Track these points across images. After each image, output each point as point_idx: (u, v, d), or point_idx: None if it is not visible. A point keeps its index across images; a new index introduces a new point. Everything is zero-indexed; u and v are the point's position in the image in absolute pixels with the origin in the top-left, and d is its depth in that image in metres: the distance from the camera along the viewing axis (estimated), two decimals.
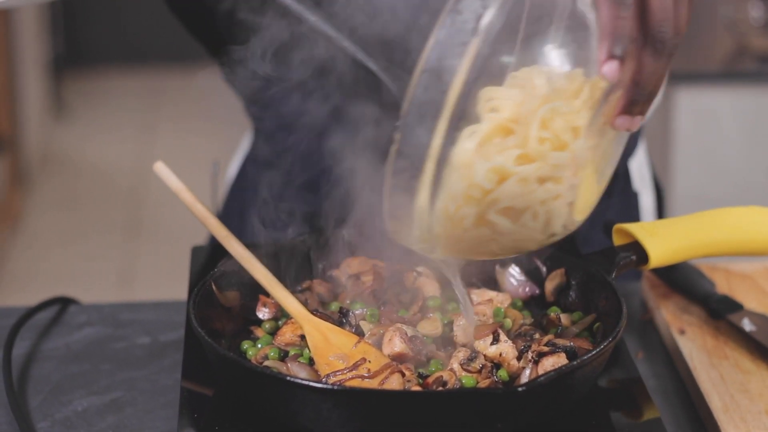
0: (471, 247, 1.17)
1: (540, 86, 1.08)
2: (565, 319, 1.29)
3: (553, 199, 1.12)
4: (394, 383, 1.18)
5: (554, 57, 1.09)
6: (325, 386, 1.13)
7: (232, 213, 1.32)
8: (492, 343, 1.20)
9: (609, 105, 1.09)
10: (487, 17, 1.04)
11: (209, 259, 1.42)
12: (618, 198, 1.75)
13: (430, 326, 1.27)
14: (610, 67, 1.05)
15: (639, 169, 1.80)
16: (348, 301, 1.32)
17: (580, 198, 1.14)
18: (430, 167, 1.09)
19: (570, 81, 1.09)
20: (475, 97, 1.08)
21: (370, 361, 1.20)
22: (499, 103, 1.09)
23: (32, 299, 1.51)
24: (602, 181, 1.17)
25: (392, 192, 1.12)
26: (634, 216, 1.78)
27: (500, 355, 1.20)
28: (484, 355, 1.20)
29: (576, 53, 1.09)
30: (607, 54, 1.05)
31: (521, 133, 1.09)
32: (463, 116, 1.08)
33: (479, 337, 1.22)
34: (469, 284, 1.35)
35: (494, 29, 1.05)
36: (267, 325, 1.31)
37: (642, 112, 1.09)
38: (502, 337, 1.21)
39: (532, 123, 1.08)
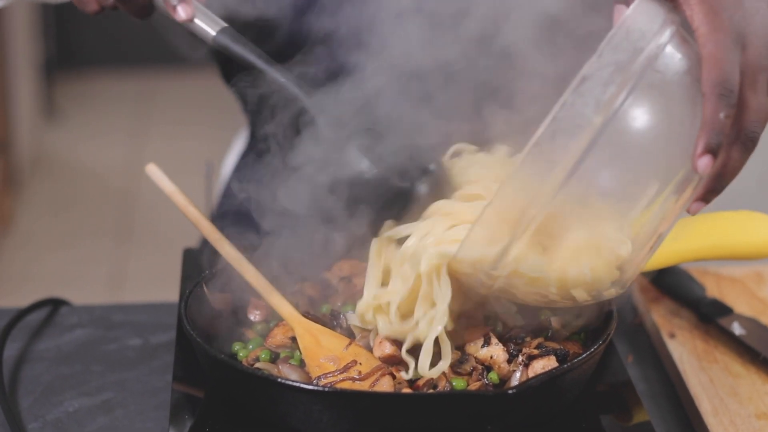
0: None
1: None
2: (555, 322, 1.29)
3: None
4: (385, 385, 1.18)
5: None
6: (316, 388, 1.14)
7: (227, 212, 1.32)
8: (483, 346, 1.21)
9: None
10: (607, 103, 1.06)
11: (201, 261, 1.42)
12: None
13: None
14: (705, 162, 1.07)
15: None
16: (339, 304, 1.33)
17: None
18: (521, 236, 1.11)
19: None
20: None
21: (360, 363, 1.20)
22: None
23: (23, 302, 1.50)
24: None
25: (474, 233, 1.13)
26: None
27: (491, 357, 1.20)
28: (475, 358, 1.21)
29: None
30: (704, 148, 1.07)
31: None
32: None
33: (470, 339, 1.22)
34: None
35: (611, 115, 1.07)
36: (258, 327, 1.31)
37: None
38: (493, 340, 1.21)
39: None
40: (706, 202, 1.13)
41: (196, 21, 1.25)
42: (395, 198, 1.22)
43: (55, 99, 5.43)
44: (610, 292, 1.16)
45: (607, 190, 1.11)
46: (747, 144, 1.10)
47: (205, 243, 1.71)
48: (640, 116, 1.09)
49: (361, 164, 1.22)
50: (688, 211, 1.13)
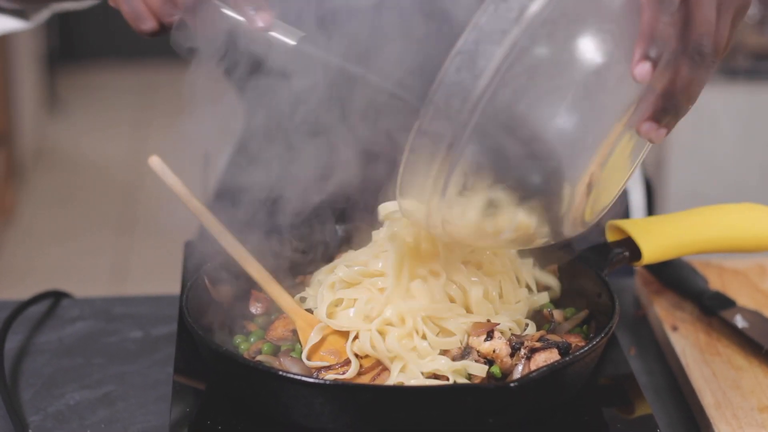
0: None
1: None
2: (557, 315, 1.29)
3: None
4: (386, 379, 1.18)
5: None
6: (317, 381, 1.13)
7: (223, 203, 1.32)
8: (485, 339, 1.21)
9: (636, 113, 1.08)
10: (532, 8, 1.02)
11: (202, 253, 1.42)
12: None
13: None
14: (643, 68, 1.03)
15: None
16: None
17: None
18: (443, 154, 1.06)
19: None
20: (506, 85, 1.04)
21: (362, 357, 1.20)
22: None
23: (25, 294, 1.50)
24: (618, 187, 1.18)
25: (405, 168, 1.09)
26: (622, 212, 1.78)
27: (493, 351, 1.20)
28: (478, 351, 1.20)
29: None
30: (641, 55, 1.03)
31: None
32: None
33: (473, 333, 1.22)
34: None
35: (537, 21, 1.02)
36: (259, 320, 1.31)
37: (668, 126, 1.08)
38: (496, 333, 1.21)
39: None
40: (659, 123, 1.07)
41: (273, 32, 1.23)
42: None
43: (57, 91, 5.43)
44: (567, 230, 1.13)
45: (534, 109, 1.04)
46: (695, 58, 1.05)
47: (206, 235, 1.72)
48: (570, 25, 1.04)
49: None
50: (639, 132, 1.07)
